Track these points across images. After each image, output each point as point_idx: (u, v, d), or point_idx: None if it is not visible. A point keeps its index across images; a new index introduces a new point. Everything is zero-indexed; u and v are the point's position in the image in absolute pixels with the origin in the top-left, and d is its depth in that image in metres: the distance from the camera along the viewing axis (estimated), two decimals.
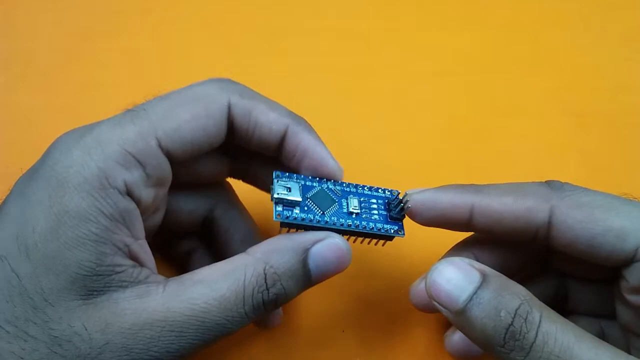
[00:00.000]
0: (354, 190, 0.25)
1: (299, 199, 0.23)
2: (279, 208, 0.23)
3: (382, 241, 0.24)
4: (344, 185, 0.25)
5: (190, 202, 0.26)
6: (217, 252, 0.27)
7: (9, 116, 0.34)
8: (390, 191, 0.25)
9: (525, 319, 0.19)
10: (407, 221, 0.25)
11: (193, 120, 0.22)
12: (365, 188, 0.25)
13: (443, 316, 0.21)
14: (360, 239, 0.24)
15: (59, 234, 0.19)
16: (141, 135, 0.21)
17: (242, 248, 0.23)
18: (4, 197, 0.22)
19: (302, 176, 0.24)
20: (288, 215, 0.22)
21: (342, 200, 0.24)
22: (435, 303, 0.21)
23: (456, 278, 0.21)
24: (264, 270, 0.21)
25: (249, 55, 0.37)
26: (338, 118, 0.35)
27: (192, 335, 0.20)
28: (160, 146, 0.21)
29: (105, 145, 0.20)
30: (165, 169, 0.22)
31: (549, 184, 0.23)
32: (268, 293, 0.21)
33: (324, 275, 0.22)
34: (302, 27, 0.39)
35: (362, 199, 0.24)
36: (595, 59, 0.39)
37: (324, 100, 0.36)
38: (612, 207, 0.22)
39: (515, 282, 0.21)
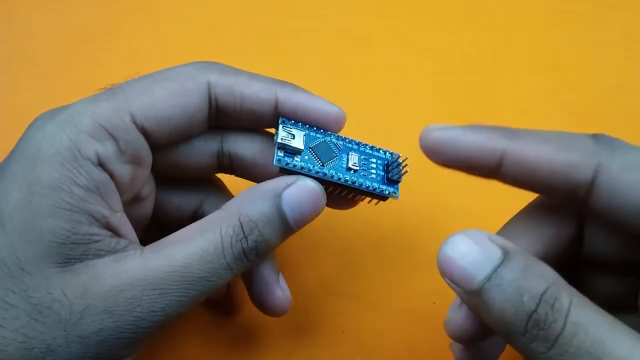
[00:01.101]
0: (356, 147, 0.25)
1: (301, 147, 0.23)
2: (280, 154, 0.23)
3: (375, 200, 0.25)
4: (347, 140, 0.25)
5: (179, 196, 0.26)
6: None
7: (9, 116, 0.34)
8: (392, 153, 0.26)
9: (552, 306, 0.17)
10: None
11: (169, 97, 0.22)
12: (367, 147, 0.25)
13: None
14: (353, 194, 0.24)
15: (32, 204, 0.19)
16: (115, 110, 0.21)
17: None
18: None
19: (307, 126, 0.24)
20: (288, 161, 0.23)
21: (343, 154, 0.24)
22: (448, 280, 0.19)
23: (473, 253, 0.18)
24: (239, 219, 0.21)
25: (249, 54, 0.37)
26: None
27: (175, 292, 0.20)
28: (134, 122, 0.21)
29: (79, 119, 0.21)
30: (140, 146, 0.22)
31: (597, 137, 0.20)
32: (247, 241, 0.21)
33: (301, 217, 0.22)
34: (302, 27, 0.39)
35: (362, 157, 0.25)
36: (595, 59, 0.39)
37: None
38: None
39: (543, 262, 0.18)
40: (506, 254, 0.18)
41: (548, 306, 0.17)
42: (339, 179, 0.23)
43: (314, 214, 0.23)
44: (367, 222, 0.31)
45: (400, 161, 0.25)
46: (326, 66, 0.37)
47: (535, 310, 0.17)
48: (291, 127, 0.23)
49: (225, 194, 0.27)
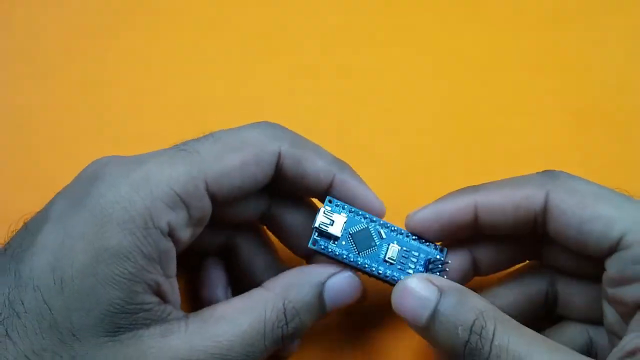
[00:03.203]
0: (400, 237, 0.25)
1: (338, 234, 0.23)
2: (317, 236, 0.23)
3: None
4: (392, 228, 0.25)
5: (212, 231, 0.26)
6: (237, 277, 0.27)
7: (9, 116, 0.34)
8: (437, 247, 0.25)
9: (480, 335, 0.20)
10: None
11: (242, 166, 0.22)
12: (413, 238, 0.25)
13: None
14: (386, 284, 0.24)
15: (96, 270, 0.19)
16: (191, 177, 0.21)
17: (263, 277, 0.25)
18: (35, 216, 0.22)
19: (354, 208, 0.24)
20: (323, 246, 0.23)
21: (384, 244, 0.24)
22: (404, 319, 0.22)
23: (417, 295, 0.22)
24: (284, 305, 0.22)
25: (250, 54, 0.37)
26: (338, 117, 0.35)
27: None
28: (207, 189, 0.22)
29: (154, 183, 0.20)
30: (207, 210, 0.22)
31: (545, 172, 0.24)
32: (287, 327, 0.22)
33: (337, 306, 0.23)
34: (302, 26, 0.39)
35: (404, 248, 0.24)
36: (595, 58, 0.39)
37: (324, 99, 0.36)
38: (603, 196, 0.23)
39: (474, 293, 0.22)
40: (442, 292, 0.21)
41: (477, 335, 0.20)
42: (372, 270, 0.24)
43: (349, 303, 0.24)
44: None
45: (443, 260, 0.25)
46: (326, 66, 0.37)
47: (468, 341, 0.20)
48: (333, 211, 0.24)
49: (257, 227, 0.27)
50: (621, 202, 0.22)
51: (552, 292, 0.26)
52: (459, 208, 0.24)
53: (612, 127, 0.36)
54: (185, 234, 0.22)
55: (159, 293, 0.21)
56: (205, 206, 0.22)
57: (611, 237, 0.22)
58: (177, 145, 0.22)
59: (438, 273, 0.24)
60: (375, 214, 0.25)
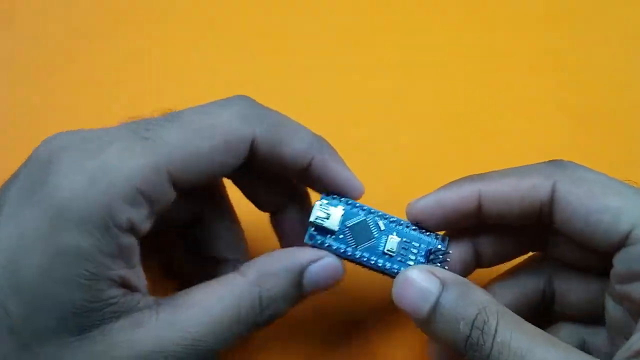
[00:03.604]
0: (400, 227, 0.24)
1: (335, 228, 0.23)
2: (312, 231, 0.23)
3: None
4: (391, 219, 0.24)
5: (180, 204, 0.25)
6: (199, 248, 0.26)
7: (9, 116, 0.34)
8: (438, 237, 0.24)
9: (482, 330, 0.20)
10: None
11: (211, 154, 0.21)
12: (413, 228, 0.24)
13: None
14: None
15: (54, 272, 0.18)
16: (153, 170, 0.20)
17: (225, 252, 0.25)
18: None
19: (350, 200, 0.24)
20: (320, 241, 0.23)
21: (382, 236, 0.24)
22: (404, 311, 0.22)
23: (419, 287, 0.21)
24: (259, 294, 0.21)
25: (250, 54, 0.37)
26: (337, 117, 0.35)
27: None
28: (170, 180, 0.20)
29: (113, 177, 0.19)
30: (170, 200, 0.21)
31: (552, 162, 0.23)
32: (262, 315, 0.21)
33: (316, 291, 0.23)
34: (302, 26, 0.39)
35: (404, 239, 0.24)
36: (595, 58, 0.39)
37: (324, 99, 0.36)
38: (612, 187, 0.22)
39: (477, 287, 0.21)
40: (444, 285, 0.21)
41: (479, 331, 0.20)
42: (372, 262, 0.23)
43: (328, 288, 0.23)
44: None
45: (445, 250, 0.24)
46: (326, 66, 0.37)
47: (469, 335, 0.20)
48: (329, 204, 0.23)
49: (224, 200, 0.27)
50: (630, 193, 0.22)
51: (549, 289, 0.25)
52: (462, 197, 0.23)
53: (612, 127, 0.36)
54: (147, 226, 0.20)
55: (124, 285, 0.20)
56: (168, 197, 0.21)
57: (620, 230, 0.21)
58: (139, 125, 0.21)
59: (439, 264, 0.23)
60: (354, 194, 0.24)
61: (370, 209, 0.24)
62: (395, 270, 0.23)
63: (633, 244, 0.21)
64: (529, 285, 0.25)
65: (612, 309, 0.23)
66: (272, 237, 0.27)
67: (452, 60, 0.38)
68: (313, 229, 0.23)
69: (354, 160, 0.33)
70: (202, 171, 0.21)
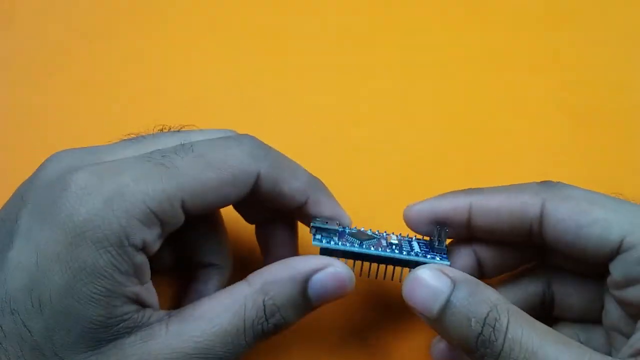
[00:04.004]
0: (394, 235, 0.25)
1: (338, 228, 0.24)
2: (318, 235, 0.24)
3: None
4: (390, 244, 0.25)
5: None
6: (184, 253, 0.27)
7: (9, 116, 0.34)
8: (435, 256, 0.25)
9: (494, 327, 0.20)
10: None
11: (220, 187, 0.22)
12: (407, 237, 0.26)
13: None
14: (397, 268, 0.25)
15: (74, 290, 0.19)
16: (167, 195, 0.21)
17: (211, 256, 0.26)
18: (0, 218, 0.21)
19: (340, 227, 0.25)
20: (328, 241, 0.23)
21: (382, 236, 0.25)
22: (414, 310, 0.22)
23: (430, 286, 0.22)
24: (263, 302, 0.21)
25: (250, 54, 0.37)
26: (338, 117, 0.35)
27: None
28: (182, 206, 0.21)
29: (130, 200, 0.20)
30: (180, 222, 0.22)
31: (544, 182, 0.24)
32: (267, 324, 0.22)
33: (324, 301, 0.23)
34: (302, 26, 0.39)
35: (400, 238, 0.25)
36: (595, 58, 0.39)
37: (324, 99, 0.36)
38: (599, 201, 0.23)
39: (487, 286, 0.22)
40: (455, 283, 0.22)
41: (490, 328, 0.20)
42: (380, 254, 0.24)
43: (338, 298, 0.23)
44: None
45: (443, 232, 0.25)
46: (325, 66, 0.37)
47: (481, 333, 0.20)
48: (325, 227, 0.24)
49: (219, 223, 0.28)
50: (617, 205, 0.23)
51: (548, 294, 0.26)
52: (454, 207, 0.24)
53: (612, 127, 0.36)
54: (157, 245, 0.22)
55: (137, 301, 0.21)
56: (178, 220, 0.22)
57: (611, 240, 0.22)
58: (154, 153, 0.22)
59: (439, 259, 0.24)
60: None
61: (358, 232, 0.25)
62: (405, 257, 0.24)
63: (626, 250, 0.22)
64: (529, 290, 0.26)
65: (610, 310, 0.24)
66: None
67: (453, 60, 0.38)
68: (318, 234, 0.24)
69: (354, 160, 0.34)
70: (210, 199, 0.22)
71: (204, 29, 0.38)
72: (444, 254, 0.25)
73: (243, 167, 0.23)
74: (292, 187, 0.24)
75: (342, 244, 0.24)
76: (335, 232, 0.24)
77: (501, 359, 0.20)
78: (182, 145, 0.22)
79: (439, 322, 0.21)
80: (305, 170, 0.25)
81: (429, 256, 0.24)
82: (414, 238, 0.26)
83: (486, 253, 0.25)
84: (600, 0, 0.41)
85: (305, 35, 0.39)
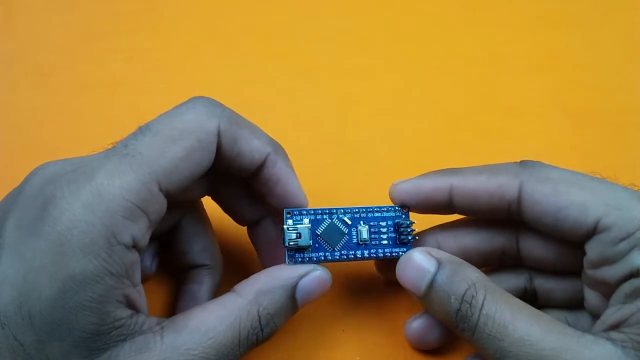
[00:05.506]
0: (364, 215, 0.26)
1: (309, 244, 0.24)
2: (290, 253, 0.24)
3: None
4: (354, 211, 0.25)
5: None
6: (174, 255, 0.27)
7: (9, 116, 0.34)
8: (395, 208, 0.26)
9: (470, 304, 0.22)
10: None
11: (188, 156, 0.22)
12: (375, 210, 0.26)
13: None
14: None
15: (65, 301, 0.19)
16: (143, 182, 0.20)
17: (199, 258, 0.27)
18: None
19: (312, 210, 0.25)
20: (301, 258, 0.24)
21: (352, 229, 0.25)
22: (406, 289, 0.24)
23: (418, 267, 0.23)
24: (258, 312, 0.22)
25: (250, 55, 0.37)
26: (337, 118, 0.35)
27: None
28: (160, 189, 0.21)
29: (108, 198, 0.20)
30: (164, 208, 0.22)
31: (521, 162, 0.25)
32: (262, 333, 0.22)
33: (309, 302, 0.24)
34: (301, 27, 0.39)
35: (372, 224, 0.25)
36: (595, 59, 0.39)
37: (324, 99, 0.36)
38: (576, 182, 0.23)
39: (469, 265, 0.23)
40: (439, 264, 0.23)
41: (467, 304, 0.22)
42: (353, 256, 0.25)
43: (319, 297, 0.24)
44: None
45: (409, 222, 0.26)
46: (325, 66, 0.37)
47: (459, 309, 0.22)
48: (295, 223, 0.24)
49: (201, 210, 0.28)
50: (594, 186, 0.23)
51: (530, 289, 0.26)
52: (435, 187, 0.25)
53: (609, 127, 0.36)
54: (147, 238, 0.21)
55: (129, 305, 0.21)
56: (162, 206, 0.21)
57: (587, 222, 0.22)
58: (116, 146, 0.21)
59: (410, 237, 0.25)
60: (295, 204, 0.25)
61: (331, 210, 0.25)
62: (374, 255, 0.25)
63: (602, 231, 0.22)
64: (510, 286, 0.27)
65: (589, 296, 0.25)
66: (250, 250, 0.28)
67: (453, 61, 0.38)
68: (288, 252, 0.24)
69: (354, 160, 0.34)
70: (184, 172, 0.22)
71: (204, 29, 0.38)
72: (409, 243, 0.26)
73: (203, 128, 0.22)
74: (251, 145, 0.24)
75: (315, 257, 0.24)
76: (306, 247, 0.24)
77: (477, 332, 0.21)
78: (140, 129, 0.22)
79: (425, 299, 0.23)
80: (265, 132, 0.25)
81: (396, 250, 0.25)
82: (386, 211, 0.26)
83: (451, 242, 0.26)
84: (599, 1, 0.41)
85: (305, 36, 0.39)
